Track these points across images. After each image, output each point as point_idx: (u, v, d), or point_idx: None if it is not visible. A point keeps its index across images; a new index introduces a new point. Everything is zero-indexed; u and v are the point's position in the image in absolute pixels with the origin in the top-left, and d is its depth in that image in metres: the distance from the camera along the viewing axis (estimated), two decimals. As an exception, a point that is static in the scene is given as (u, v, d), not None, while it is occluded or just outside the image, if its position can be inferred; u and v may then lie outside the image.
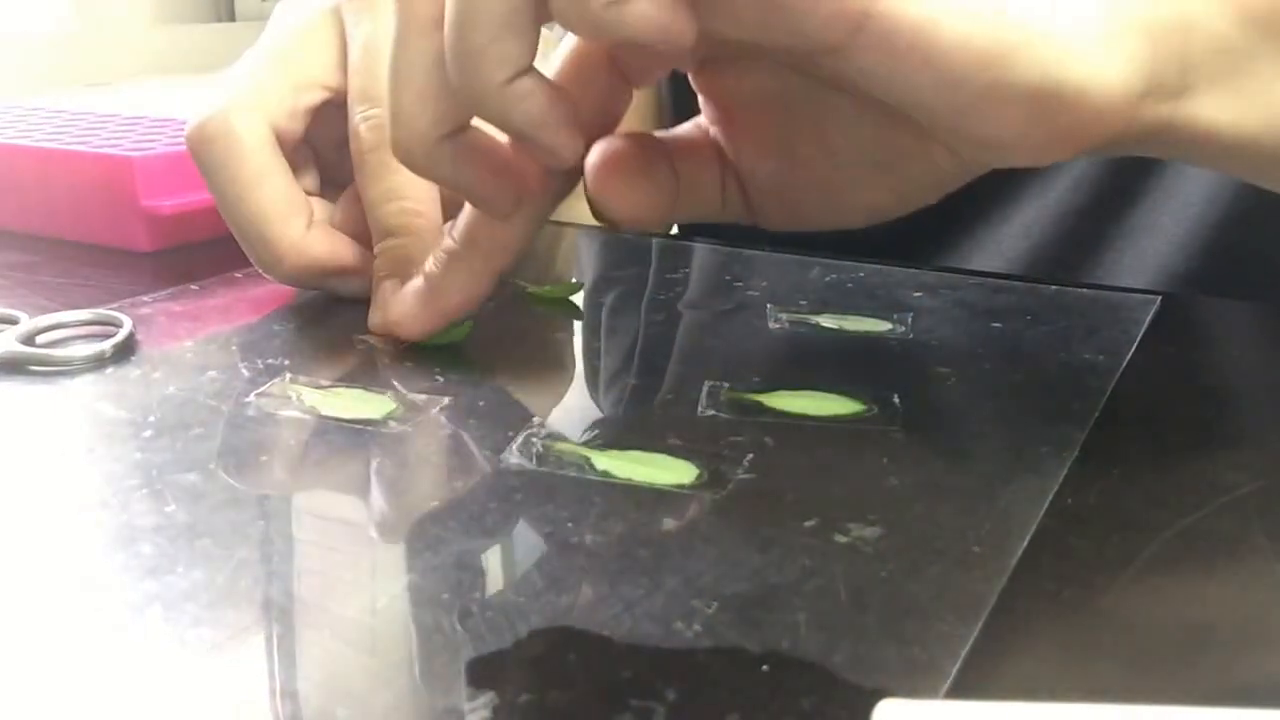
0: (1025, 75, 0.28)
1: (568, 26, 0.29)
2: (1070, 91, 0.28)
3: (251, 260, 0.44)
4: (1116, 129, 0.29)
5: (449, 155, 0.34)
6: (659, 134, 0.37)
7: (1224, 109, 0.31)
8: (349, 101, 0.43)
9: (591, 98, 0.35)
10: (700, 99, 0.37)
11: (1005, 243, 0.57)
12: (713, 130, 0.37)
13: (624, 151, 0.35)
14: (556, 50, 0.36)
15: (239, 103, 0.43)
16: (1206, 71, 0.30)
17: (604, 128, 0.36)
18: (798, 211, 0.37)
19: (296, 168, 0.44)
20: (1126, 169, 0.55)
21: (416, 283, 0.39)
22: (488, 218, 0.37)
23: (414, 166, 0.35)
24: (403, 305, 0.39)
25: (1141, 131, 0.30)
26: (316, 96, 0.44)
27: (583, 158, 0.35)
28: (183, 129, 0.50)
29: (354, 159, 0.43)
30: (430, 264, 0.39)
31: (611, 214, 0.35)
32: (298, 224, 0.43)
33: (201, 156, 0.43)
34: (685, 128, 0.38)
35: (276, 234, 0.42)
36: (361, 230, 0.44)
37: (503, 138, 0.34)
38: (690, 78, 0.37)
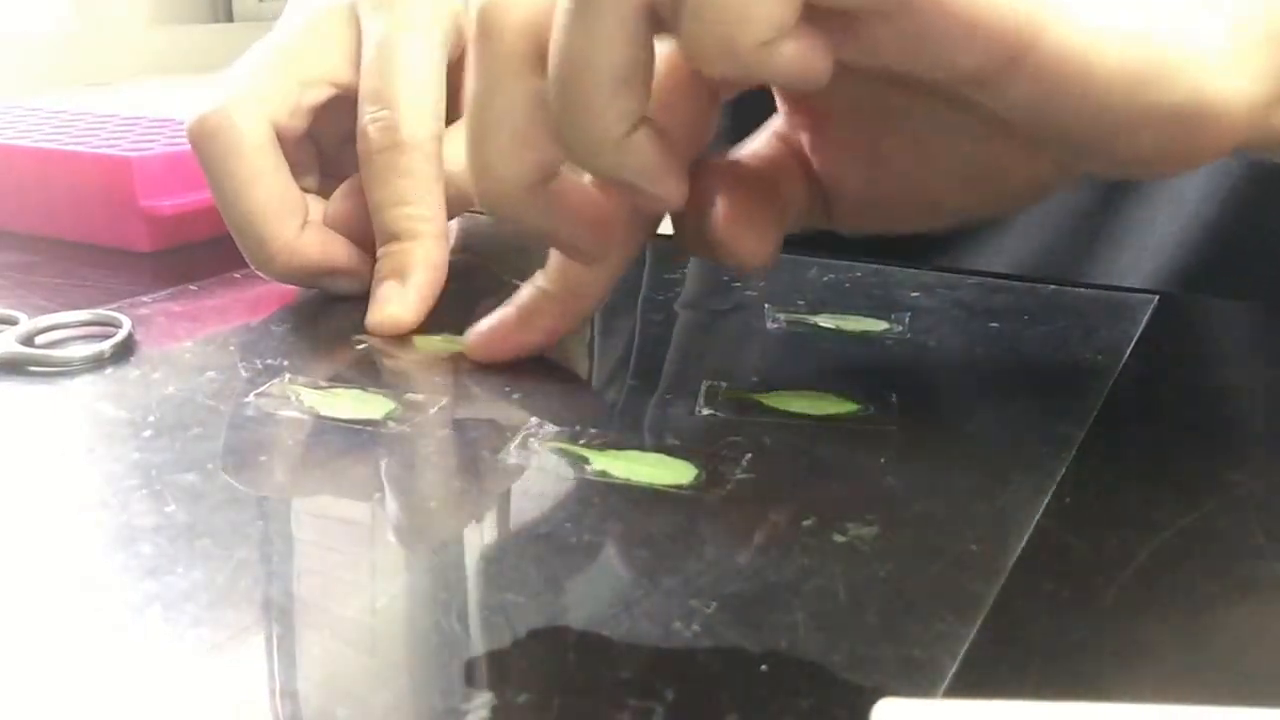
0: (1173, 97, 0.27)
1: (707, 69, 0.27)
2: (1210, 109, 0.28)
3: (245, 257, 0.44)
4: (1243, 138, 0.29)
5: (540, 204, 0.33)
6: (746, 157, 0.36)
7: None
8: (359, 100, 0.43)
9: (684, 119, 0.33)
10: (786, 103, 0.36)
11: (1003, 244, 0.57)
12: (798, 138, 0.36)
13: (743, 198, 0.34)
14: None
15: (241, 98, 0.43)
16: None
17: (693, 151, 0.34)
18: (882, 218, 0.36)
19: (296, 165, 0.44)
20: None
21: (502, 312, 0.38)
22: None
23: (501, 215, 0.33)
24: (480, 333, 0.38)
25: (1265, 138, 0.30)
26: (322, 94, 0.44)
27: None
28: (181, 129, 0.51)
29: (361, 159, 0.43)
30: (521, 297, 0.38)
31: (740, 261, 0.34)
32: (292, 224, 0.43)
33: (201, 151, 0.43)
34: (765, 141, 0.37)
35: (270, 234, 0.43)
36: (355, 226, 0.44)
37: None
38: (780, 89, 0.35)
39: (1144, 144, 0.28)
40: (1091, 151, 0.30)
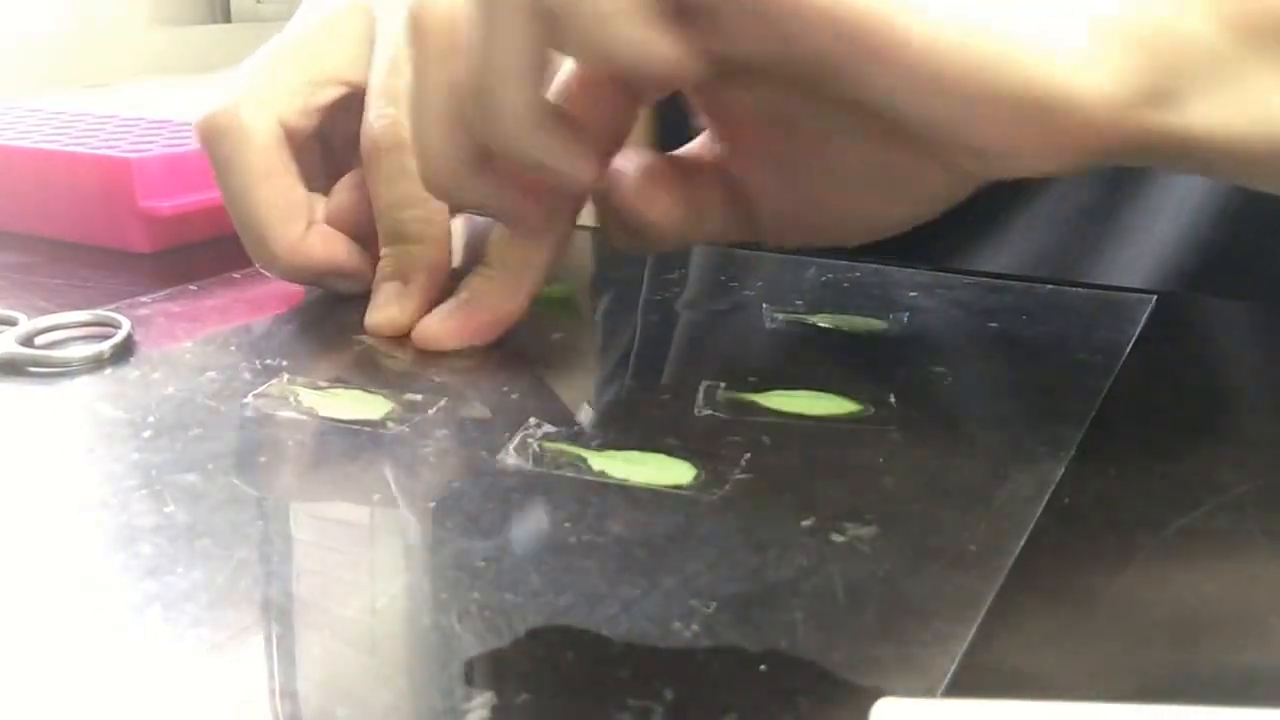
0: (1011, 83, 0.28)
1: (583, 60, 0.31)
2: (1057, 99, 0.29)
3: (249, 254, 0.44)
4: (1110, 138, 0.30)
5: (479, 183, 0.35)
6: (668, 156, 0.37)
7: (1215, 116, 0.31)
8: (367, 97, 0.43)
9: (599, 116, 0.35)
10: (703, 117, 0.38)
11: (1003, 243, 0.58)
12: (716, 148, 0.37)
13: (656, 170, 0.36)
14: (562, 69, 0.36)
15: (251, 97, 0.43)
16: (1198, 81, 0.31)
17: (612, 144, 0.36)
18: (801, 229, 0.38)
19: (305, 165, 0.44)
20: (1122, 169, 0.55)
21: (450, 301, 0.40)
22: (517, 238, 0.38)
23: (444, 198, 0.36)
24: (428, 324, 0.40)
25: (1139, 141, 0.30)
26: (333, 93, 0.44)
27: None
28: (180, 130, 0.51)
29: (366, 157, 0.43)
30: (464, 288, 0.40)
31: (650, 222, 0.36)
32: (297, 226, 0.43)
33: (209, 148, 0.43)
34: (691, 148, 0.38)
35: (275, 235, 0.43)
36: (355, 221, 0.44)
37: None
38: (691, 96, 0.37)
39: (989, 131, 0.29)
40: (946, 142, 0.30)
